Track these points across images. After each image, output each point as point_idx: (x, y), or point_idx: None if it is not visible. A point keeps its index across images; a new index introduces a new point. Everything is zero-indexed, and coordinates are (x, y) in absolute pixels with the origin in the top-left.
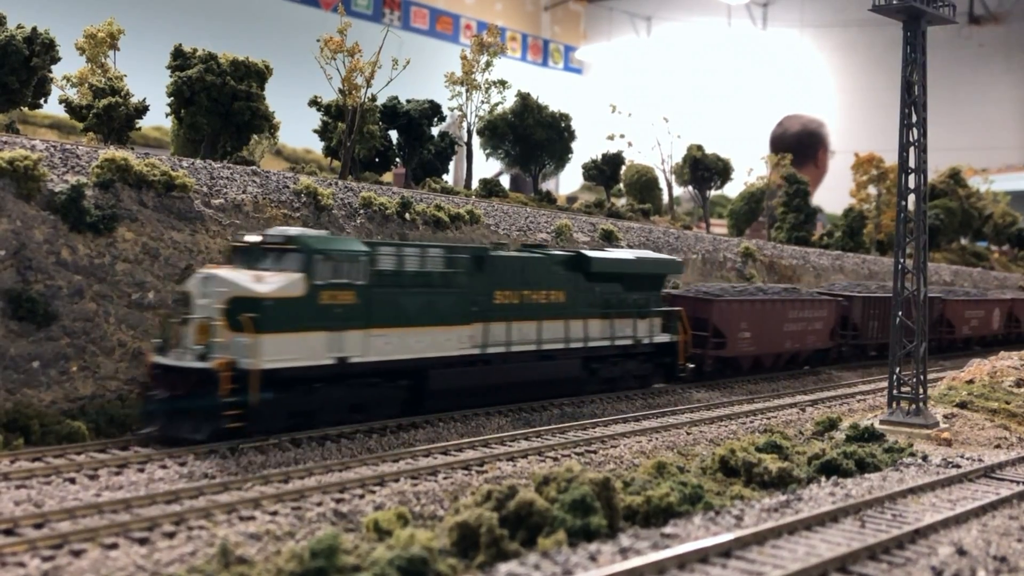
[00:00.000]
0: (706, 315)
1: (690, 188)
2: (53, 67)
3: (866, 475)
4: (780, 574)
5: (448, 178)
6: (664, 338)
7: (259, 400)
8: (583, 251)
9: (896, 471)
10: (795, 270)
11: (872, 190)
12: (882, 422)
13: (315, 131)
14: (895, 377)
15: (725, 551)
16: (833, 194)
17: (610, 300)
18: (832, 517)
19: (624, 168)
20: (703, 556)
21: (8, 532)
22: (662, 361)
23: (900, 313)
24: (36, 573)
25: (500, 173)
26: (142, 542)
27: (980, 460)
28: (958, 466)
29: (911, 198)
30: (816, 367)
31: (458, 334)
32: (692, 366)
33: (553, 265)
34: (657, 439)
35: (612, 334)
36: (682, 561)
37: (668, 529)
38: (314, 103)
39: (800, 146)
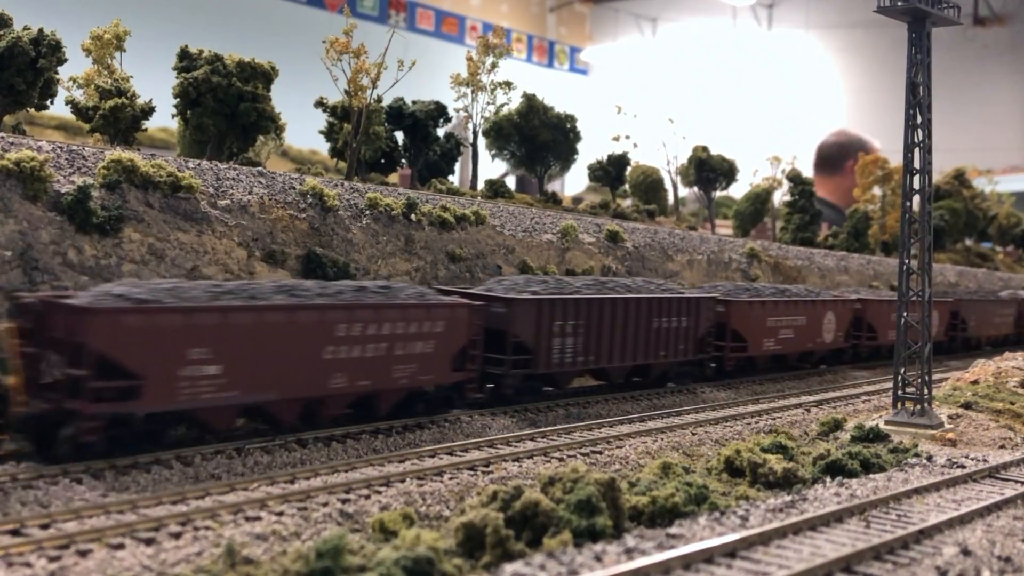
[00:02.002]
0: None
1: (695, 189)
2: (59, 68)
3: (871, 475)
4: (785, 574)
5: (454, 179)
6: None
7: None
8: None
9: (901, 471)
10: (800, 271)
11: (877, 191)
12: (887, 423)
13: (321, 132)
14: (900, 378)
15: (730, 551)
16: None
17: None
18: (837, 517)
19: (629, 169)
20: (708, 556)
21: (15, 532)
22: None
23: (904, 314)
24: (43, 573)
25: (506, 174)
26: (148, 542)
27: (985, 460)
28: (963, 466)
29: (916, 199)
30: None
31: None
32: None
33: None
34: (662, 439)
35: None
36: (687, 561)
37: (673, 529)
38: (320, 104)
39: (841, 156)
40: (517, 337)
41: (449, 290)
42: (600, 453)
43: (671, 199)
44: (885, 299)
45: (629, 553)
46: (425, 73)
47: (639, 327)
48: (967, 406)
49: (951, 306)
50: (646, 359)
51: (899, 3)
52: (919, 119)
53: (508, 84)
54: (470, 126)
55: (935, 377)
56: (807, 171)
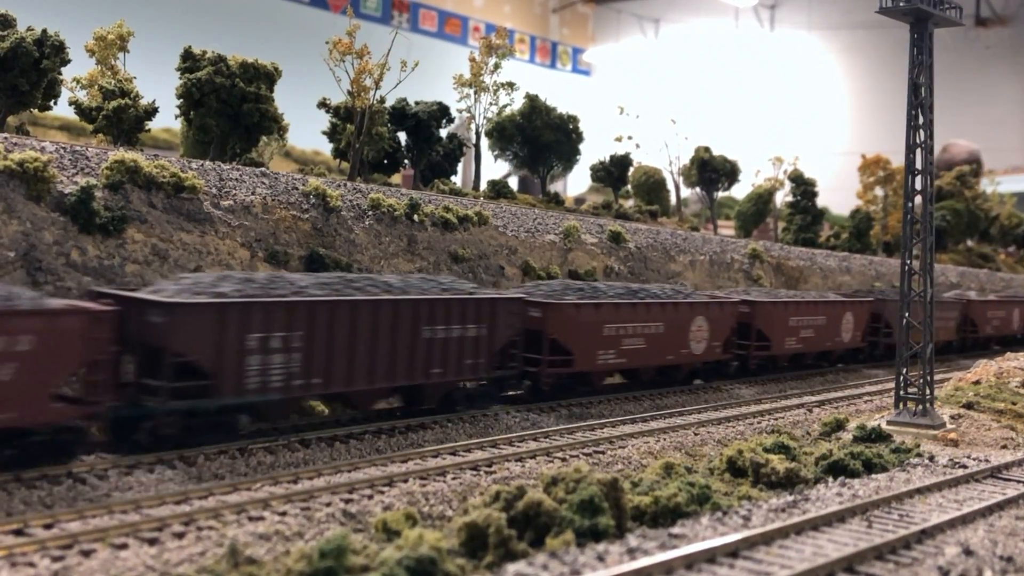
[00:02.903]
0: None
1: (698, 189)
2: (63, 69)
3: (873, 475)
4: (787, 574)
5: (456, 180)
6: None
7: None
8: None
9: (903, 471)
10: (802, 271)
11: (879, 191)
12: (889, 423)
13: (324, 133)
14: (902, 378)
15: (733, 551)
16: (839, 195)
17: None
18: (839, 517)
19: (632, 170)
20: (711, 556)
21: (18, 532)
22: None
23: (907, 314)
24: (46, 573)
25: (508, 175)
26: (152, 542)
27: (986, 461)
28: (965, 466)
29: (918, 199)
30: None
31: None
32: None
33: None
34: (665, 440)
35: None
36: (690, 561)
37: (676, 529)
38: (323, 105)
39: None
40: (182, 356)
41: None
42: (603, 453)
43: (673, 200)
44: (783, 300)
45: (632, 553)
46: (428, 74)
47: (399, 338)
48: (969, 406)
49: (870, 307)
50: (411, 379)
51: (901, 4)
52: (921, 120)
53: (511, 85)
54: (473, 127)
55: (937, 377)
56: (809, 172)
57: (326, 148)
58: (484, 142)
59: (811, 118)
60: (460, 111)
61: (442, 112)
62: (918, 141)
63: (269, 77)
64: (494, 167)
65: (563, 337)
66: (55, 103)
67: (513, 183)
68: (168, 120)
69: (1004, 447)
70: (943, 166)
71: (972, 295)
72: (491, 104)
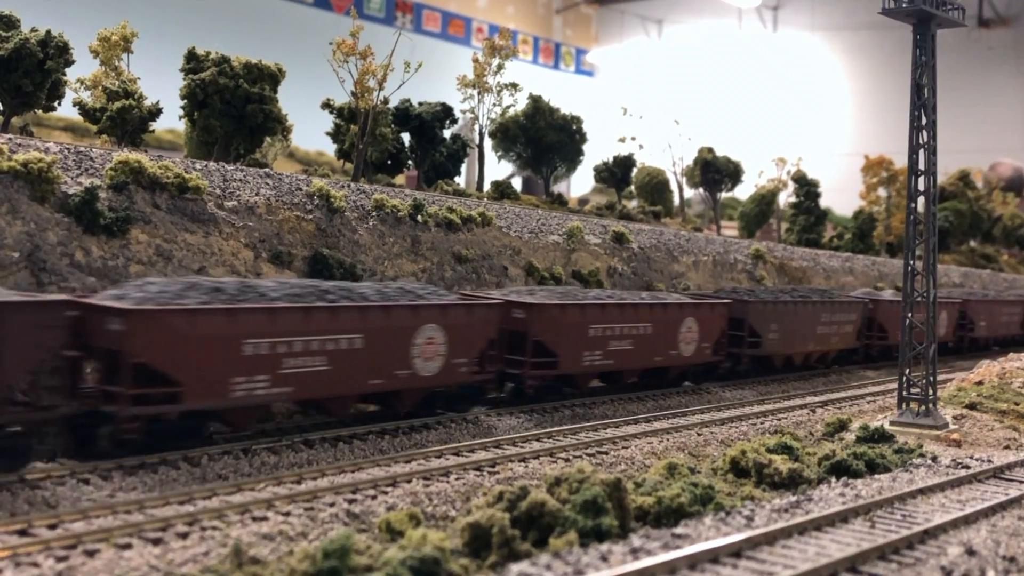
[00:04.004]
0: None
1: (701, 190)
2: (67, 70)
3: (876, 476)
4: (790, 574)
5: (460, 180)
6: None
7: None
8: None
9: (906, 472)
10: (805, 272)
11: (882, 192)
12: (892, 423)
13: (328, 134)
14: (905, 378)
15: (736, 551)
16: (843, 196)
17: None
18: (842, 517)
19: (635, 170)
20: (714, 556)
21: (22, 532)
22: None
23: (909, 315)
24: (50, 573)
25: (512, 175)
26: (156, 542)
27: (989, 461)
28: (967, 467)
29: (921, 200)
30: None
31: None
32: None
33: None
34: (668, 440)
35: None
36: (693, 561)
37: (679, 529)
38: (327, 106)
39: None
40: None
41: None
42: (606, 453)
43: (677, 200)
44: (578, 302)
45: (635, 553)
46: (431, 75)
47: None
48: (972, 407)
49: (726, 311)
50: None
51: (904, 5)
52: (924, 120)
53: (514, 85)
54: (476, 127)
55: (940, 378)
56: (812, 172)
57: (330, 149)
58: (488, 143)
59: (814, 119)
60: (464, 112)
61: (446, 113)
62: (921, 142)
63: (273, 78)
64: (498, 168)
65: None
66: (59, 104)
67: (517, 184)
68: (172, 121)
69: (1007, 447)
70: (990, 184)
71: (888, 295)
72: (495, 105)
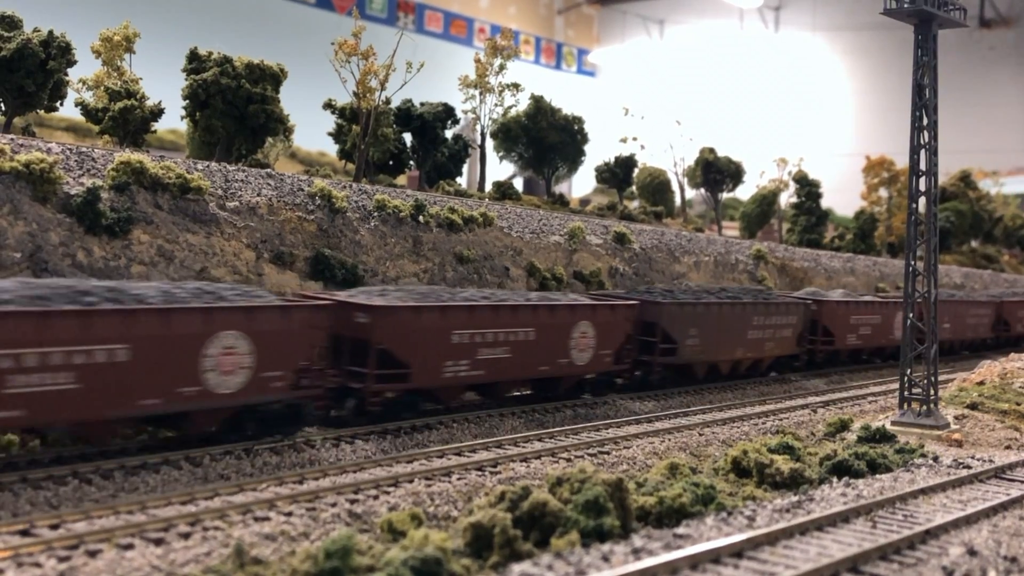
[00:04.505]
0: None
1: (702, 191)
2: (69, 70)
3: (877, 476)
4: (792, 574)
5: (462, 181)
6: None
7: None
8: None
9: (907, 472)
10: (807, 272)
11: (883, 192)
12: (893, 423)
13: (329, 134)
14: (906, 379)
15: (737, 551)
16: (844, 196)
17: None
18: (844, 518)
19: (637, 171)
20: (715, 556)
21: (25, 532)
22: None
23: (911, 315)
24: (52, 573)
25: (513, 176)
26: (157, 542)
27: (990, 461)
28: (969, 467)
29: (922, 200)
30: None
31: None
32: None
33: None
34: (670, 440)
35: None
36: (694, 561)
37: (681, 530)
38: (328, 106)
39: None
40: None
41: None
42: (607, 454)
43: (678, 201)
44: (413, 304)
45: (636, 553)
46: (433, 75)
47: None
48: (973, 407)
49: (631, 313)
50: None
51: (905, 5)
52: (925, 121)
53: (516, 86)
54: (478, 128)
55: (941, 378)
56: (814, 173)
57: (332, 149)
58: (489, 143)
59: (815, 119)
60: (465, 112)
61: (447, 113)
62: (922, 142)
63: (275, 78)
64: (499, 168)
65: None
66: (61, 104)
67: (518, 184)
68: (174, 121)
69: (1008, 448)
70: None
71: (837, 294)
72: (496, 105)
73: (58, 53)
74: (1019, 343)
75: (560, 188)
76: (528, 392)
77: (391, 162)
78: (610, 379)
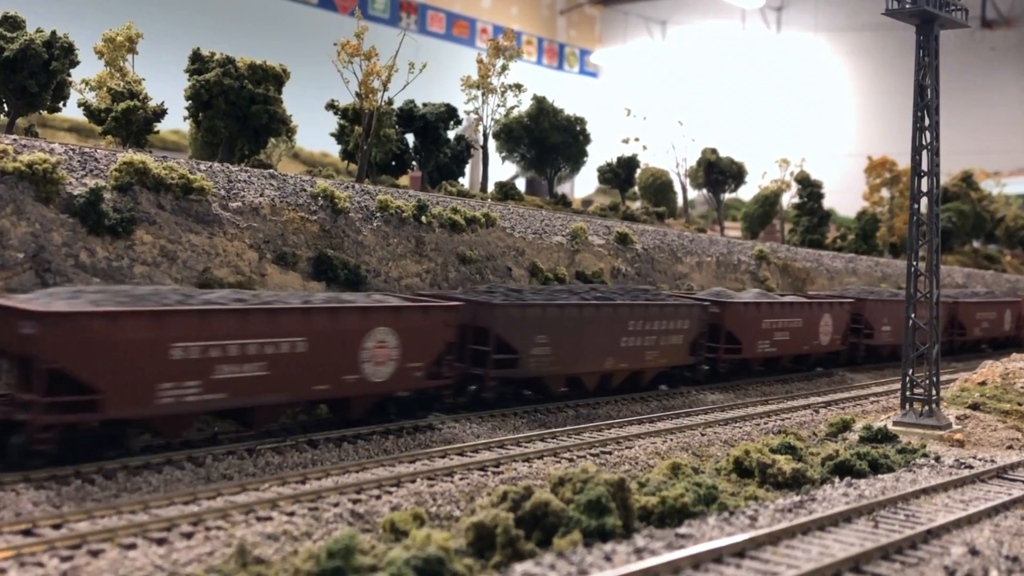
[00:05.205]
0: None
1: (704, 191)
2: (72, 71)
3: (879, 476)
4: (794, 574)
5: (464, 181)
6: None
7: None
8: None
9: (909, 472)
10: (809, 272)
11: (885, 193)
12: (895, 423)
13: (332, 134)
14: (908, 379)
15: (739, 551)
16: (846, 197)
17: None
18: (845, 517)
19: (639, 171)
20: (717, 556)
21: (27, 532)
22: None
23: (913, 315)
24: (55, 573)
25: (516, 176)
26: (160, 542)
27: (992, 461)
28: (970, 467)
29: (924, 201)
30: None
31: None
32: None
33: None
34: (672, 440)
35: None
36: (697, 561)
37: (683, 529)
38: (331, 107)
39: None
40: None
41: None
42: (610, 454)
43: (680, 201)
44: (107, 309)
45: (639, 553)
46: (436, 75)
47: None
48: (975, 407)
49: (470, 317)
50: None
51: (907, 6)
52: (927, 121)
53: (518, 86)
54: (480, 128)
55: (943, 378)
56: (816, 173)
57: (334, 150)
58: (492, 144)
59: (817, 120)
60: (468, 113)
61: (450, 114)
62: (924, 143)
63: (277, 79)
64: (501, 169)
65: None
66: (64, 105)
67: (520, 185)
68: (177, 122)
69: (1010, 447)
70: None
71: (750, 294)
72: (499, 106)
73: (61, 54)
74: (977, 348)
75: (562, 189)
76: (304, 417)
77: (393, 163)
78: (428, 398)
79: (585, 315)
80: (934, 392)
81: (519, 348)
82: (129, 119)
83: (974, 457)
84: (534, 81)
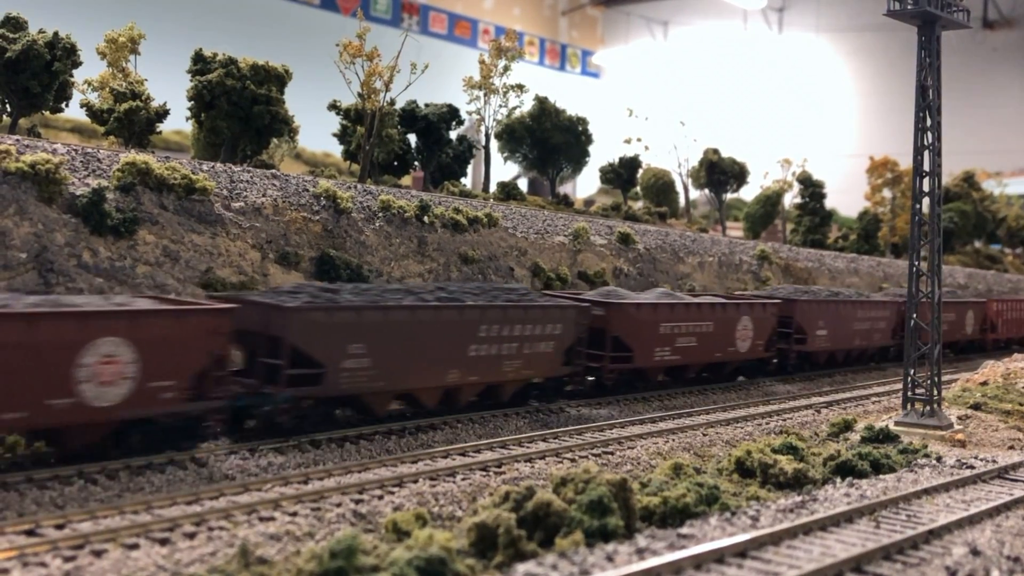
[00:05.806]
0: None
1: (706, 191)
2: (74, 71)
3: (881, 476)
4: (796, 574)
5: (466, 181)
6: None
7: None
8: None
9: (911, 472)
10: (810, 272)
11: (887, 193)
12: (897, 423)
13: (334, 135)
14: (909, 379)
15: (741, 551)
16: (848, 197)
17: None
18: (847, 518)
19: (641, 171)
20: (719, 556)
21: (30, 533)
22: None
23: (914, 315)
24: (58, 573)
25: (518, 176)
26: (163, 542)
27: (994, 461)
28: (972, 467)
29: (926, 201)
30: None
31: None
32: None
33: None
34: (674, 440)
35: None
36: (698, 561)
37: (684, 530)
38: (333, 107)
39: None
40: None
41: None
42: (612, 454)
43: (682, 201)
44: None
45: (640, 553)
46: (438, 76)
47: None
48: (976, 407)
49: (232, 323)
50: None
51: (909, 7)
52: (929, 122)
53: (520, 87)
54: (482, 129)
55: (944, 378)
56: (818, 174)
57: (336, 150)
58: (494, 144)
59: (819, 120)
60: (470, 113)
61: (452, 114)
62: (926, 143)
63: (280, 79)
64: (504, 169)
65: None
66: (67, 105)
67: (523, 185)
68: (179, 122)
69: (1011, 448)
70: None
71: (647, 295)
72: (501, 106)
73: (63, 54)
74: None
75: (564, 189)
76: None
77: (396, 163)
78: (191, 422)
79: (419, 319)
80: (935, 392)
81: (324, 360)
82: (132, 120)
83: (975, 457)
84: (536, 82)
